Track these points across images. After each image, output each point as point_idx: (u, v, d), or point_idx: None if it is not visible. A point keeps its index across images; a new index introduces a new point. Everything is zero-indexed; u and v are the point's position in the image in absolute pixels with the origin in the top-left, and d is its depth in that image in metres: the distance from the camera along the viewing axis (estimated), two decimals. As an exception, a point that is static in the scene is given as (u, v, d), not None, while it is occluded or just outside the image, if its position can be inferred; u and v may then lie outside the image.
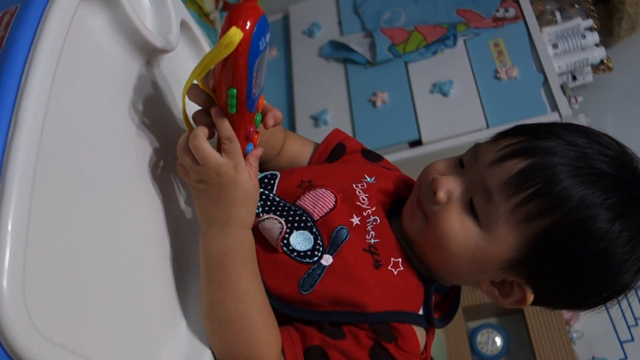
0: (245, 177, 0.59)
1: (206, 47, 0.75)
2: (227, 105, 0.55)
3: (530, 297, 0.64)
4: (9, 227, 0.37)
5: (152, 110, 0.63)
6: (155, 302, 0.57)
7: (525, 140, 0.63)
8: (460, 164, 0.67)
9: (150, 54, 0.62)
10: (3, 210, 0.37)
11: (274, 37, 2.20)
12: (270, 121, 0.61)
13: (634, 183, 0.61)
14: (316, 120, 1.98)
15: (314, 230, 0.65)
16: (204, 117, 0.58)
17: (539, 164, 0.60)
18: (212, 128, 0.58)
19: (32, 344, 0.37)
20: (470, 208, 0.63)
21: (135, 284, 0.54)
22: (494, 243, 0.62)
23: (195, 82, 0.55)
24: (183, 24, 0.70)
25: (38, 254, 0.40)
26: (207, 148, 0.56)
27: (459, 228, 0.63)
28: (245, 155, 0.60)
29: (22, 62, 0.42)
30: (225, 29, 0.49)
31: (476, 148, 0.67)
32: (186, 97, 0.57)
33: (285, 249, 0.64)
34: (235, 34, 0.49)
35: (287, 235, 0.64)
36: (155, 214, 0.61)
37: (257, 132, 0.60)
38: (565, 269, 0.61)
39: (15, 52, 0.42)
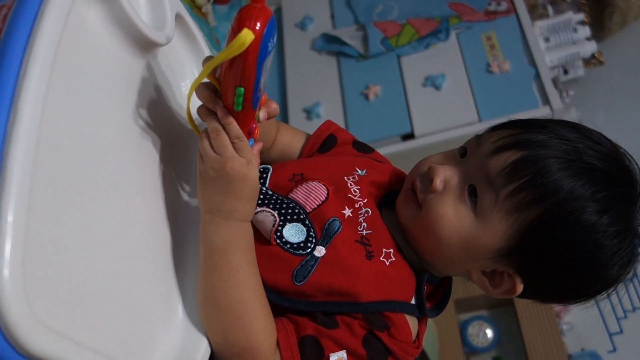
0: (255, 175, 0.60)
1: (200, 40, 0.75)
2: (233, 102, 0.56)
3: (520, 287, 0.65)
4: (10, 218, 0.38)
5: (147, 102, 0.63)
6: (152, 291, 0.57)
7: (520, 133, 0.64)
8: (461, 155, 0.69)
9: (146, 47, 0.62)
10: (3, 201, 0.38)
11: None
12: (262, 114, 0.61)
13: (624, 179, 0.63)
14: (309, 113, 1.98)
15: (307, 222, 0.66)
16: (208, 112, 0.59)
17: (531, 155, 0.61)
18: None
19: (31, 331, 0.38)
20: (470, 195, 0.64)
21: (132, 274, 0.55)
22: (486, 231, 0.63)
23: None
24: (178, 17, 0.70)
25: (38, 244, 0.41)
26: (227, 138, 0.57)
27: (452, 215, 0.65)
28: None
29: (20, 55, 0.42)
30: (235, 29, 0.50)
31: (478, 137, 0.68)
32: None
33: (278, 241, 0.64)
34: (247, 36, 0.49)
35: (280, 228, 0.65)
36: (152, 205, 0.62)
37: (257, 127, 0.61)
38: (554, 260, 0.62)
39: (13, 45, 0.42)
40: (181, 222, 0.66)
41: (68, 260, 0.45)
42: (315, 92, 2.02)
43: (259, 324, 0.59)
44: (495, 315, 2.10)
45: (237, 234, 0.61)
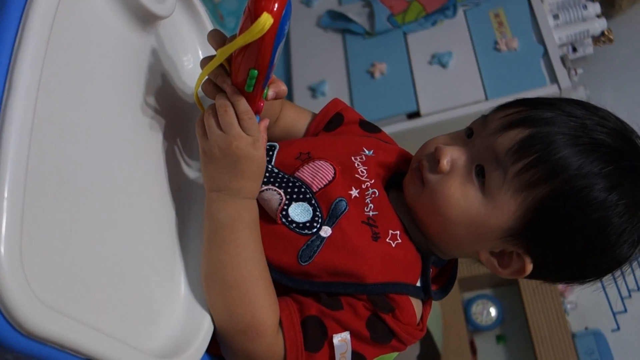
0: (262, 154, 0.60)
1: (202, 13, 0.74)
2: (243, 82, 0.55)
3: (529, 267, 0.64)
4: (5, 194, 0.37)
5: (148, 77, 0.62)
6: (154, 269, 0.57)
7: (527, 110, 0.64)
8: (467, 135, 0.68)
9: (146, 20, 0.61)
10: (-1, 177, 0.37)
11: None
12: (270, 93, 0.60)
13: (632, 154, 0.62)
14: (314, 91, 1.96)
15: (313, 202, 0.65)
16: (214, 89, 0.58)
17: (539, 133, 0.61)
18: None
19: (30, 310, 0.37)
20: (477, 175, 0.64)
21: (133, 251, 0.54)
22: (494, 210, 0.63)
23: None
24: (179, -10, 0.69)
25: (35, 221, 0.40)
26: (234, 116, 0.57)
27: (460, 195, 0.64)
28: None
29: (15, 28, 0.41)
30: (252, 10, 0.49)
31: (484, 117, 0.68)
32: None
33: (284, 220, 0.64)
34: (267, 21, 0.49)
35: (286, 207, 0.64)
36: (153, 181, 0.61)
37: (263, 104, 0.60)
38: (564, 238, 0.62)
39: (7, 18, 0.41)
40: (183, 199, 0.65)
41: (67, 238, 0.45)
42: (321, 70, 2.00)
43: (264, 301, 0.58)
44: (499, 294, 2.11)
45: (243, 211, 0.60)
